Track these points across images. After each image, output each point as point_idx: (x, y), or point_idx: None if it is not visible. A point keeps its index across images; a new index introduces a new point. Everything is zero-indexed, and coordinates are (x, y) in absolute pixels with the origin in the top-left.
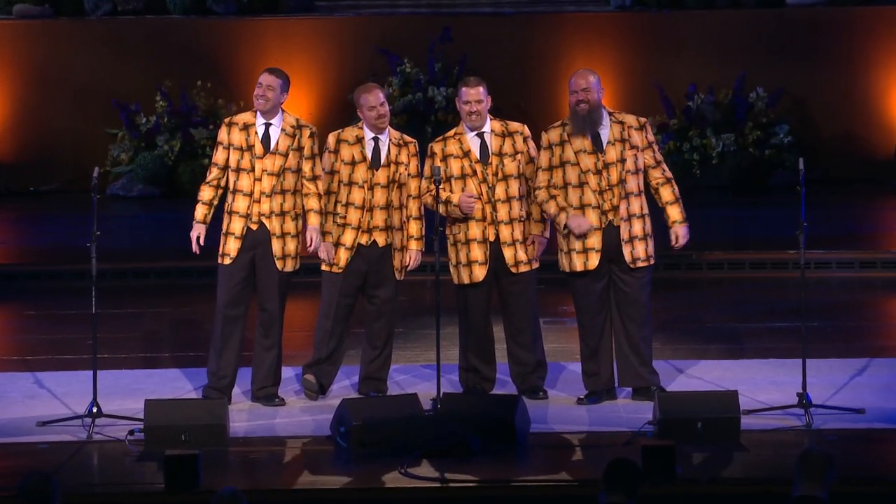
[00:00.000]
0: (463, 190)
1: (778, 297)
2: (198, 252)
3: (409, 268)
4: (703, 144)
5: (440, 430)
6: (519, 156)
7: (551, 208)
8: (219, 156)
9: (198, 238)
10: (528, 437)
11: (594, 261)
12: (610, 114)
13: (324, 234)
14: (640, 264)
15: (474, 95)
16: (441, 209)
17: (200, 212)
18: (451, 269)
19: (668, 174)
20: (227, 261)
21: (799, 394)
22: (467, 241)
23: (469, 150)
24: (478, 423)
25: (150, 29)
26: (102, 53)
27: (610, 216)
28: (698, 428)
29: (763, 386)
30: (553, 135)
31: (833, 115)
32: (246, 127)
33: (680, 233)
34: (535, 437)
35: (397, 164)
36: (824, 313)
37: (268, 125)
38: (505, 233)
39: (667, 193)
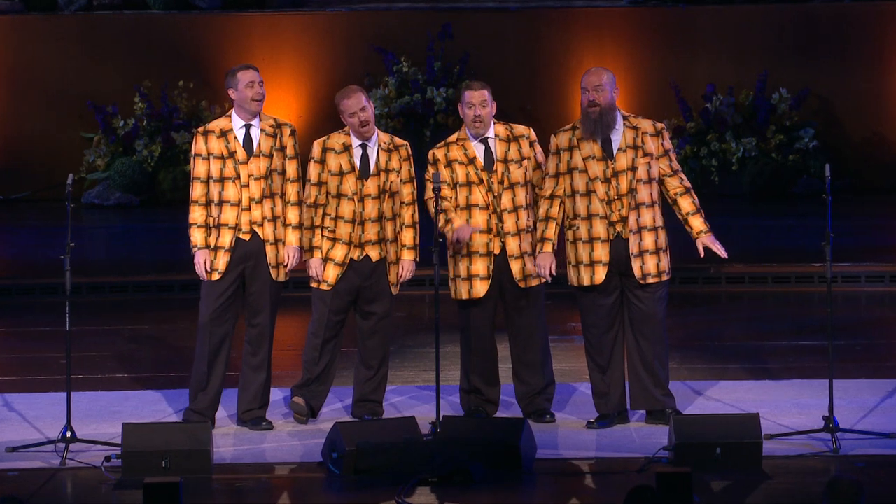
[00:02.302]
0: (468, 199)
1: (803, 313)
2: (213, 279)
3: (402, 279)
4: (723, 149)
5: (440, 456)
6: (525, 161)
7: (539, 231)
8: (199, 169)
9: (204, 263)
10: (534, 464)
11: (601, 275)
12: (625, 117)
13: (312, 248)
14: (650, 280)
15: (478, 98)
16: (441, 220)
17: (199, 236)
18: (450, 283)
19: (687, 183)
20: (216, 276)
21: (825, 417)
22: (469, 254)
23: (474, 157)
24: (480, 448)
25: (128, 25)
26: (77, 51)
27: (618, 227)
28: (717, 454)
29: (787, 408)
30: (562, 139)
31: (862, 118)
32: (224, 133)
33: (707, 242)
34: (541, 463)
35: (388, 171)
36: (852, 330)
37: (247, 127)
38: (512, 245)
39: (686, 204)
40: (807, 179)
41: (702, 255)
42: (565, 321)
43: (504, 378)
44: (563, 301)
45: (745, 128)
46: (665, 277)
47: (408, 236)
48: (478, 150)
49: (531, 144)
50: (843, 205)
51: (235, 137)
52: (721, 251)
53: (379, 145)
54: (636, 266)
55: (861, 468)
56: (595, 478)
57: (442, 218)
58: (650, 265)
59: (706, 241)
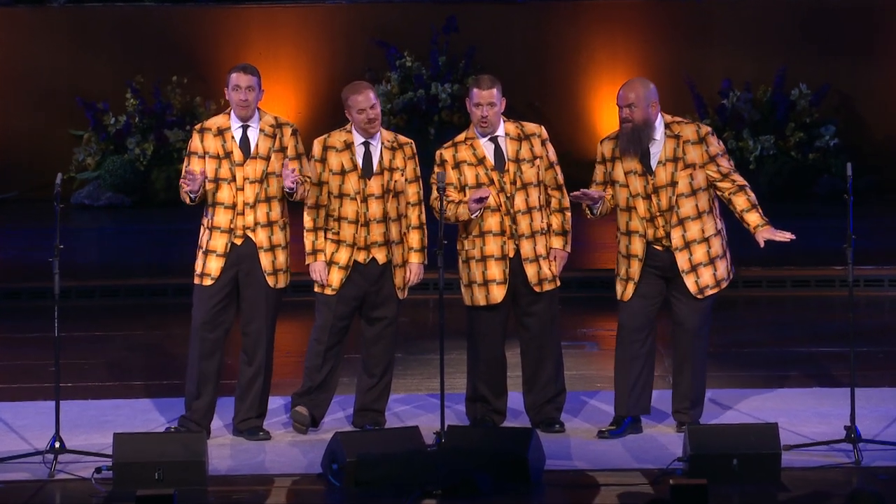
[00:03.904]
0: None
1: (823, 318)
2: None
3: (409, 283)
4: (740, 147)
5: (444, 468)
6: (537, 161)
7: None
8: (194, 167)
9: (195, 175)
10: (543, 475)
11: (629, 291)
12: (667, 125)
13: (315, 251)
14: (708, 293)
15: (486, 98)
16: (450, 210)
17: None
18: (463, 290)
19: (740, 181)
20: (208, 281)
21: (847, 427)
22: (483, 258)
23: (484, 157)
24: (486, 459)
25: (119, 18)
26: (66, 45)
27: (664, 242)
28: (734, 465)
29: (806, 418)
30: (606, 148)
31: (885, 115)
32: (221, 132)
33: (765, 235)
34: (550, 474)
35: (392, 170)
36: (875, 336)
37: (245, 127)
38: (526, 248)
39: (741, 202)
40: (827, 179)
41: (762, 246)
42: (576, 327)
43: (511, 386)
44: (573, 306)
45: (762, 125)
46: (724, 285)
47: (415, 238)
48: (487, 149)
49: (543, 143)
50: (865, 205)
51: (233, 137)
52: (783, 237)
53: (382, 143)
54: (690, 282)
55: (884, 480)
56: (607, 490)
57: (450, 209)
58: (706, 277)
59: (764, 234)
